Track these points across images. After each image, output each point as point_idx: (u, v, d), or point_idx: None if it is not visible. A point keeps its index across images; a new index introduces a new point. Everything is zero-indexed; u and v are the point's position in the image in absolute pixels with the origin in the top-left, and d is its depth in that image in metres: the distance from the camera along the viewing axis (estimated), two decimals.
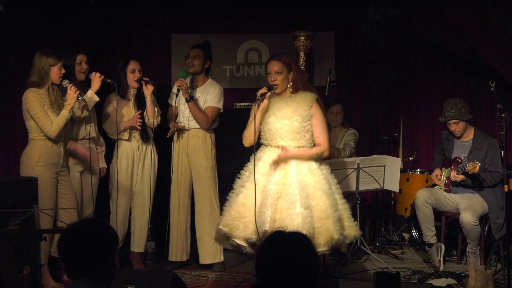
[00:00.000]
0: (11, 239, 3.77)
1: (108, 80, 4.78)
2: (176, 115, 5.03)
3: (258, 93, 4.09)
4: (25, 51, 4.96)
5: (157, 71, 6.23)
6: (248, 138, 4.19)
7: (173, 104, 5.05)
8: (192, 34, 6.14)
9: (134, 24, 6.24)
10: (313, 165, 4.08)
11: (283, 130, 4.07)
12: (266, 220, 3.84)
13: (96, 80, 4.65)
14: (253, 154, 4.13)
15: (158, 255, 5.32)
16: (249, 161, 4.20)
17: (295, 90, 4.14)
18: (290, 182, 3.99)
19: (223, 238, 4.09)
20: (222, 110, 5.07)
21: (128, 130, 4.91)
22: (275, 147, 4.11)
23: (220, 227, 4.01)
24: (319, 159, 4.15)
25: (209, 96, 4.99)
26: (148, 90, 4.87)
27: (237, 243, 4.00)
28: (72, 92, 4.38)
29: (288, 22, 6.29)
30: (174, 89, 5.04)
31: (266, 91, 4.07)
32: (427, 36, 5.94)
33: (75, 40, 5.55)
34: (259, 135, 4.20)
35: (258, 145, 4.23)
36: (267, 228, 3.82)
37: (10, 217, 3.95)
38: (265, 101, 4.09)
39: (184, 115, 4.99)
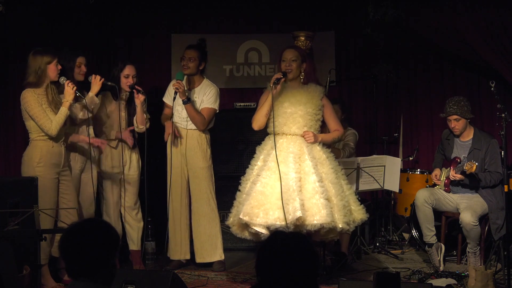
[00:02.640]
0: (11, 239, 3.77)
1: (109, 83, 4.78)
2: (171, 115, 5.02)
3: (274, 78, 4.28)
4: (26, 52, 4.95)
5: (157, 71, 6.24)
6: (259, 121, 4.38)
7: (168, 103, 5.05)
8: (192, 34, 6.13)
9: (134, 24, 6.24)
10: (322, 155, 4.30)
11: (297, 115, 4.29)
12: (297, 207, 3.99)
13: (97, 82, 4.64)
14: (259, 146, 4.37)
15: (158, 255, 5.33)
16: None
17: (306, 81, 4.39)
18: (308, 170, 4.18)
19: (243, 227, 4.24)
20: (218, 111, 5.07)
21: (117, 140, 4.93)
22: (287, 134, 4.29)
23: (241, 216, 4.12)
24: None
25: (205, 97, 4.98)
26: (139, 100, 4.85)
27: (256, 231, 4.12)
28: (69, 89, 4.38)
29: (288, 22, 6.29)
30: (170, 89, 5.03)
31: (281, 76, 4.28)
32: (428, 36, 5.94)
33: (75, 40, 5.55)
34: (268, 122, 4.37)
35: (263, 134, 4.41)
36: (300, 215, 3.98)
37: (10, 217, 3.95)
38: (279, 87, 4.29)
39: (181, 116, 4.98)
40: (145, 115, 4.94)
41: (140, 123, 4.90)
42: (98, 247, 2.31)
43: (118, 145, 4.97)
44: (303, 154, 4.24)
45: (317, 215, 3.99)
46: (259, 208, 4.09)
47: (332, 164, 4.31)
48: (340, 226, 4.11)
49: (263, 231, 4.10)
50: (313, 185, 4.11)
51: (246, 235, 4.30)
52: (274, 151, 4.22)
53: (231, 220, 4.33)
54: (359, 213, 4.27)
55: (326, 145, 4.44)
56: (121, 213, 5.06)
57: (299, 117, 4.30)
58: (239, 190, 4.33)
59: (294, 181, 4.11)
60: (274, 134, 4.31)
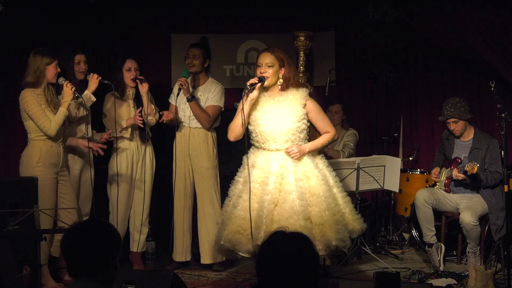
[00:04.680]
0: (11, 239, 3.77)
1: (106, 81, 4.78)
2: (176, 115, 5.02)
3: (248, 83, 3.93)
4: (26, 52, 4.96)
5: (157, 71, 6.24)
6: (234, 131, 4.03)
7: (173, 103, 5.05)
8: (192, 34, 6.13)
9: (134, 24, 6.25)
10: (310, 166, 3.98)
11: (276, 132, 3.94)
12: (260, 235, 3.74)
13: (94, 81, 4.66)
14: (244, 156, 4.03)
15: (158, 255, 5.33)
16: (241, 163, 4.09)
17: (285, 87, 4.00)
18: (288, 189, 3.87)
19: (228, 251, 4.00)
20: (223, 109, 5.07)
21: (130, 128, 4.93)
22: (268, 150, 3.99)
23: (222, 243, 3.92)
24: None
25: (210, 95, 4.99)
26: (143, 88, 4.87)
27: (242, 256, 3.92)
28: (68, 89, 4.39)
29: (288, 22, 6.28)
30: (175, 88, 5.04)
31: (257, 81, 3.92)
32: (428, 36, 5.94)
33: (75, 40, 5.56)
34: (249, 135, 4.06)
35: (243, 142, 4.07)
36: (259, 243, 3.63)
37: (10, 217, 3.95)
38: (255, 92, 3.93)
39: (185, 114, 4.98)
40: (153, 106, 4.95)
41: (149, 114, 4.88)
42: (98, 246, 2.32)
43: (133, 135, 4.95)
44: (286, 172, 3.90)
45: None
46: (242, 233, 3.84)
47: (323, 175, 3.99)
48: (334, 244, 3.83)
49: (249, 256, 3.88)
50: (292, 204, 3.82)
51: (232, 257, 4.10)
52: (255, 170, 3.94)
53: (216, 238, 4.08)
54: (357, 223, 4.00)
55: (318, 150, 4.13)
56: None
57: (279, 134, 3.93)
58: (223, 208, 4.11)
59: (266, 204, 3.83)
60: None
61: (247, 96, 3.94)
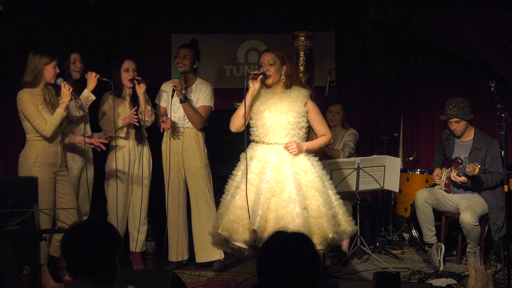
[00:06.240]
0: (11, 239, 3.78)
1: (104, 79, 4.78)
2: (165, 115, 5.01)
3: (252, 73, 4.08)
4: (26, 52, 4.95)
5: (157, 71, 6.24)
6: (235, 122, 4.17)
7: (163, 105, 5.05)
8: (192, 34, 6.12)
9: (134, 24, 6.25)
10: (307, 163, 4.08)
11: (277, 125, 4.06)
12: (256, 220, 3.82)
13: (92, 79, 4.67)
14: (243, 152, 4.11)
15: (158, 255, 5.33)
16: (239, 160, 4.16)
17: (289, 85, 4.13)
18: (285, 179, 3.97)
19: (223, 242, 4.06)
20: (213, 109, 5.08)
21: (125, 127, 4.93)
22: (268, 143, 4.09)
23: (219, 231, 3.97)
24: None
25: (201, 95, 5.00)
26: (140, 89, 4.87)
27: (238, 246, 3.96)
28: (66, 90, 4.39)
29: (288, 22, 6.29)
30: (165, 88, 5.04)
31: (260, 73, 4.07)
32: (427, 36, 5.94)
33: (75, 40, 5.55)
34: (250, 131, 4.16)
35: (244, 137, 4.14)
36: (255, 228, 3.81)
37: (10, 217, 3.95)
38: (257, 84, 4.07)
39: (177, 115, 4.98)
40: (149, 107, 4.95)
41: (145, 115, 4.88)
42: (98, 246, 2.32)
43: (129, 134, 4.95)
44: (283, 163, 4.01)
45: (290, 223, 3.76)
46: (239, 223, 3.91)
47: (318, 173, 4.08)
48: (331, 236, 3.91)
49: (245, 246, 3.92)
50: (289, 193, 3.90)
51: (226, 249, 4.13)
52: (253, 162, 4.03)
53: (212, 231, 4.15)
54: (349, 225, 4.07)
55: (314, 152, 4.21)
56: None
57: (279, 127, 4.05)
58: (221, 202, 4.16)
59: (263, 192, 3.90)
60: (247, 142, 4.12)
61: (248, 87, 4.06)
